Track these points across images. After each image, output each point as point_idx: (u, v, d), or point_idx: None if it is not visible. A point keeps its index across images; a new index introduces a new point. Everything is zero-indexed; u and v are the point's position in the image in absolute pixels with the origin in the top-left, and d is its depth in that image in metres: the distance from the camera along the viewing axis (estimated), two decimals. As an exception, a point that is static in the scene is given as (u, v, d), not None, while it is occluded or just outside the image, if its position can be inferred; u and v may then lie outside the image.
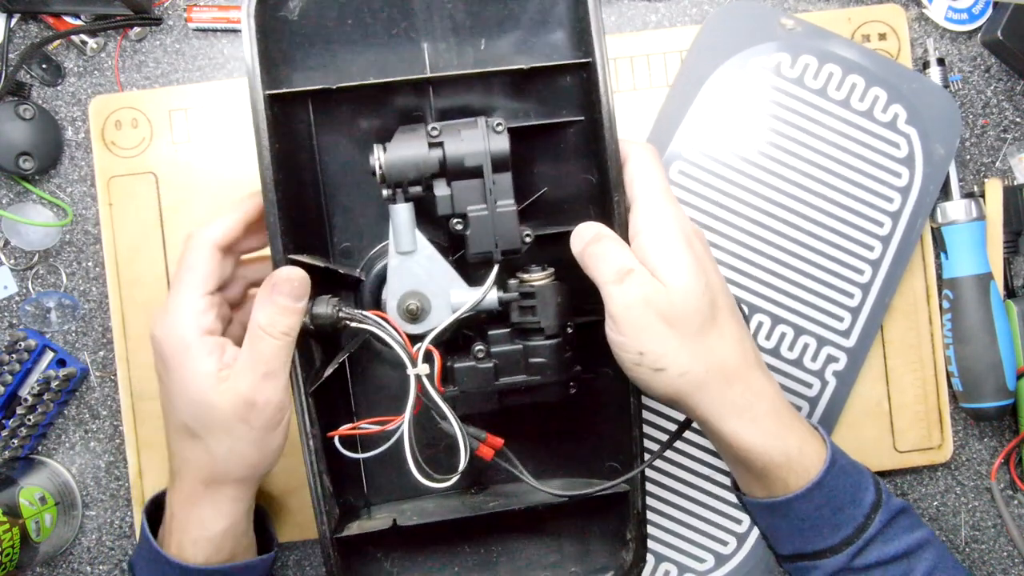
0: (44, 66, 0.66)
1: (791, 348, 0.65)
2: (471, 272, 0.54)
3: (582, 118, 0.54)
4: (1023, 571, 0.69)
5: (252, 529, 0.55)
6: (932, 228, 0.67)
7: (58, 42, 0.66)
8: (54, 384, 0.63)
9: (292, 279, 0.48)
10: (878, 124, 0.64)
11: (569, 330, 0.52)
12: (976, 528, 0.68)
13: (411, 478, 0.56)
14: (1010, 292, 0.68)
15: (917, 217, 0.64)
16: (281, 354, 0.48)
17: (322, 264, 0.53)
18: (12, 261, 0.67)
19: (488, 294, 0.51)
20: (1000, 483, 0.68)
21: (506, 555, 0.56)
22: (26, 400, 0.63)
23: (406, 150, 0.50)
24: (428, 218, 0.54)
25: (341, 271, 0.55)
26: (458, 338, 0.56)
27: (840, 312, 0.64)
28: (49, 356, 0.65)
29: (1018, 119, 0.69)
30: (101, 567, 0.67)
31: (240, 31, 0.66)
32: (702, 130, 0.64)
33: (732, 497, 0.64)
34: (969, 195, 0.67)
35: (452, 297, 0.52)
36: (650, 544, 0.60)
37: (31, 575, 0.66)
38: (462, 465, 0.49)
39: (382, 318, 0.50)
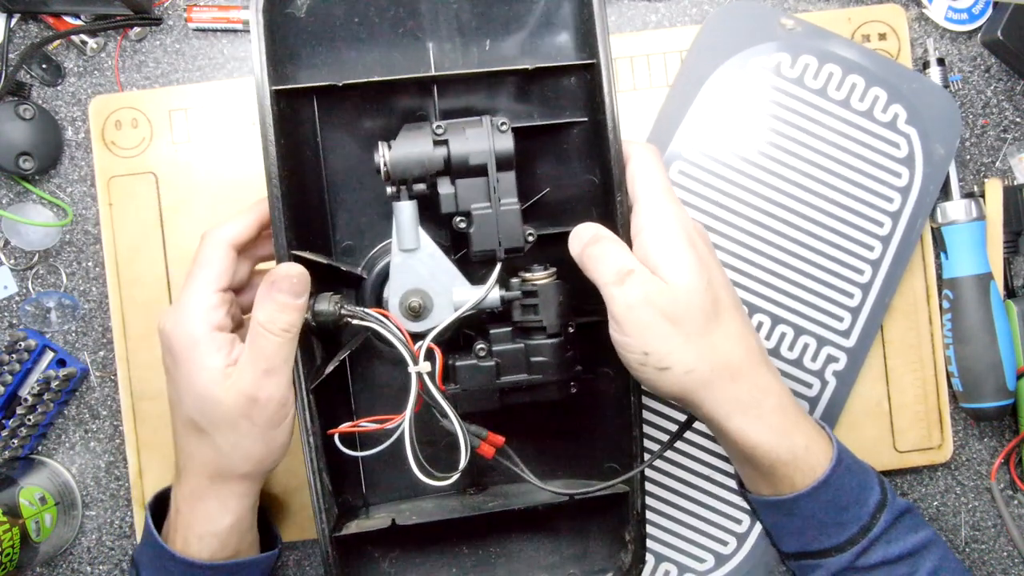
0: (44, 66, 0.66)
1: (791, 348, 0.65)
2: (473, 272, 0.54)
3: (585, 119, 0.55)
4: (1023, 571, 0.69)
5: (256, 526, 0.55)
6: (932, 228, 0.67)
7: (58, 42, 0.66)
8: (54, 384, 0.63)
9: (291, 276, 0.49)
10: (878, 124, 0.64)
11: (571, 329, 0.52)
12: (976, 528, 0.68)
13: (410, 478, 0.56)
14: (1010, 292, 0.68)
15: (917, 217, 0.64)
16: (282, 351, 0.49)
17: (324, 261, 0.53)
18: (12, 261, 0.67)
19: (490, 292, 0.51)
20: (1000, 483, 0.68)
21: (505, 556, 0.56)
22: (26, 400, 0.63)
23: (411, 147, 0.51)
24: (431, 218, 0.54)
25: (343, 268, 0.55)
26: (459, 338, 0.56)
27: (840, 312, 0.64)
28: (49, 356, 0.65)
29: (1018, 119, 0.69)
30: (101, 567, 0.67)
31: (241, 31, 0.67)
32: (702, 130, 0.64)
33: (732, 497, 0.64)
34: (969, 195, 0.67)
35: (454, 295, 0.52)
36: (650, 544, 0.60)
37: (31, 575, 0.66)
38: (463, 463, 0.49)
39: (384, 315, 0.50)
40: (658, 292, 0.47)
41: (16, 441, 0.64)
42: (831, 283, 0.64)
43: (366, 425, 0.52)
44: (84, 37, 0.66)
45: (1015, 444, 0.68)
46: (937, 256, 0.67)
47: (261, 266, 0.55)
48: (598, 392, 0.56)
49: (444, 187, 0.51)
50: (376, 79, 0.53)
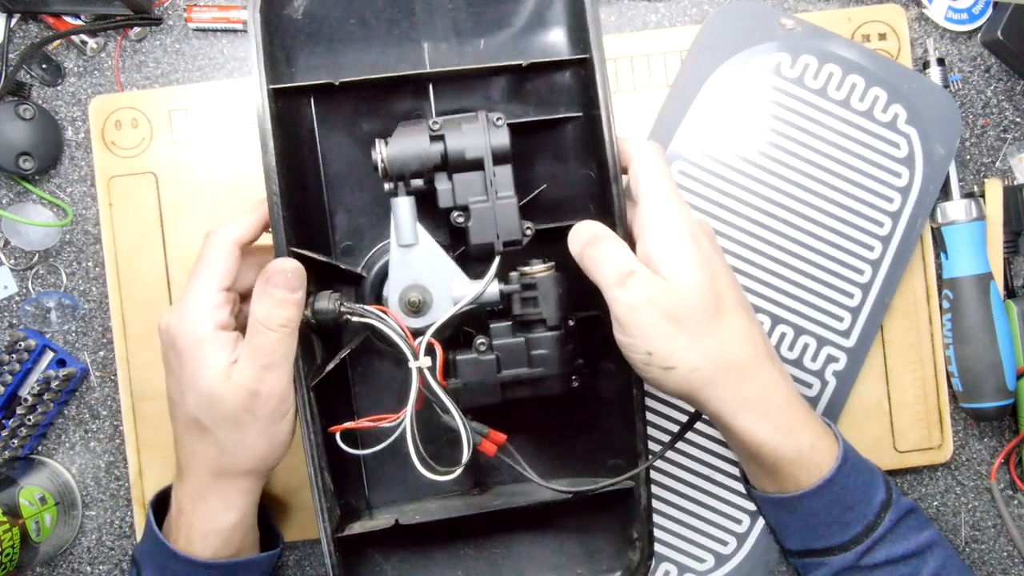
0: (44, 66, 0.66)
1: (791, 348, 0.65)
2: (472, 270, 0.54)
3: (580, 114, 0.55)
4: (1023, 571, 0.69)
5: (257, 525, 0.55)
6: (932, 228, 0.67)
7: (58, 42, 0.66)
8: (54, 384, 0.63)
9: (286, 271, 0.49)
10: (878, 124, 0.64)
11: (571, 323, 0.52)
12: (976, 528, 0.68)
13: (413, 481, 0.56)
14: (1010, 292, 0.68)
15: (917, 217, 0.64)
16: (280, 346, 0.49)
17: (323, 259, 0.53)
18: (12, 261, 0.67)
19: (489, 286, 0.51)
20: (1000, 483, 0.68)
21: (510, 558, 0.56)
22: (26, 400, 0.63)
23: (408, 143, 0.51)
24: (430, 218, 0.54)
25: (342, 267, 0.55)
26: (459, 335, 0.56)
27: (840, 312, 0.64)
28: (49, 356, 0.65)
29: (1018, 119, 0.69)
30: (101, 567, 0.67)
31: (241, 31, 0.67)
32: (702, 130, 0.64)
33: (732, 497, 0.64)
34: (969, 195, 0.67)
35: (453, 290, 0.52)
36: (651, 544, 0.60)
37: (31, 575, 0.66)
38: (465, 457, 0.49)
39: (383, 311, 0.50)
40: (660, 292, 0.47)
41: (16, 441, 0.64)
42: (831, 283, 0.64)
43: (367, 423, 0.52)
44: (84, 37, 0.66)
45: (1015, 444, 0.68)
46: (937, 256, 0.67)
47: None
48: (600, 388, 0.56)
49: (441, 182, 0.52)
50: (372, 76, 0.53)
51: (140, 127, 0.65)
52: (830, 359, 0.65)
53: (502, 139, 0.51)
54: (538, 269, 0.52)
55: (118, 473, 0.66)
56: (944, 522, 0.68)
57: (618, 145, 0.52)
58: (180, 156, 0.65)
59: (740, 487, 0.64)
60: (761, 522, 0.64)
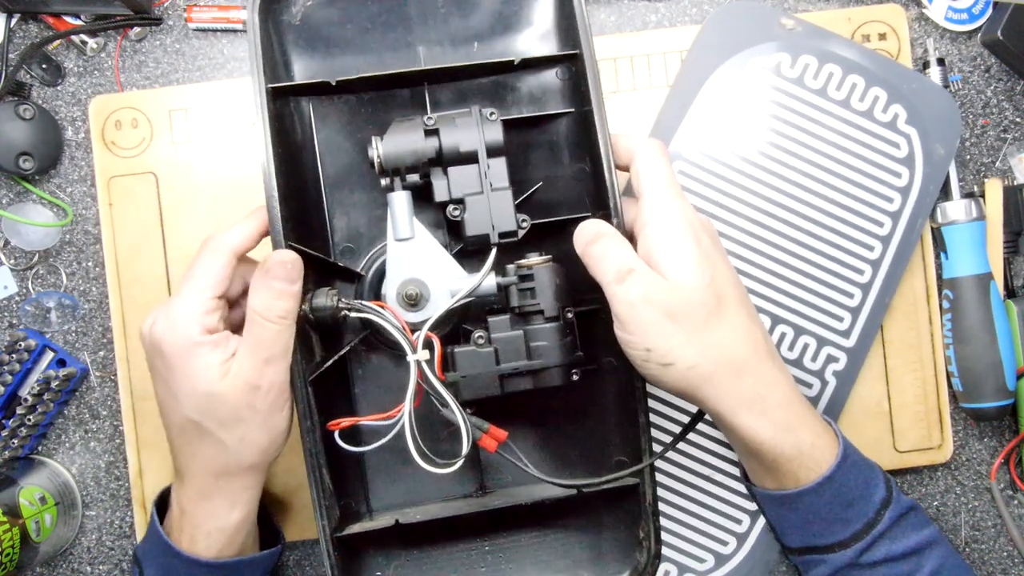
0: (44, 66, 0.66)
1: (791, 348, 0.65)
2: (469, 266, 0.54)
3: (572, 110, 0.56)
4: (1023, 571, 0.69)
5: (257, 523, 0.55)
6: (932, 228, 0.67)
7: (58, 42, 0.66)
8: (54, 384, 0.63)
9: (285, 262, 0.49)
10: (878, 124, 0.64)
11: (569, 315, 0.52)
12: (976, 528, 0.68)
13: (415, 484, 0.56)
14: (1010, 292, 0.68)
15: (917, 217, 0.64)
16: (280, 339, 0.49)
17: (321, 256, 0.54)
18: (12, 261, 0.67)
19: (487, 279, 0.52)
20: (1000, 483, 0.68)
21: (515, 561, 0.56)
22: (26, 400, 0.63)
23: (403, 138, 0.52)
24: (427, 217, 0.55)
25: (341, 264, 0.56)
26: (458, 332, 0.56)
27: (840, 312, 0.64)
28: (49, 356, 0.65)
29: (1018, 119, 0.69)
30: (101, 567, 0.67)
31: (240, 31, 0.67)
32: (702, 130, 0.64)
33: (732, 497, 0.64)
34: (969, 195, 0.67)
35: (451, 283, 0.52)
36: (650, 544, 0.60)
37: (31, 575, 0.66)
38: (465, 448, 0.49)
39: (381, 307, 0.50)
40: (659, 289, 0.47)
41: (16, 441, 0.64)
42: (831, 283, 0.64)
43: (366, 419, 0.52)
44: (84, 37, 0.66)
45: (1015, 444, 0.68)
46: (937, 256, 0.67)
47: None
48: (602, 385, 0.56)
49: (437, 176, 0.52)
50: (367, 75, 0.54)
51: (140, 127, 0.65)
52: (830, 359, 0.65)
53: (495, 132, 0.52)
54: (535, 261, 0.52)
55: (118, 473, 0.66)
56: (944, 522, 0.68)
57: (620, 142, 0.52)
58: (180, 156, 0.65)
59: (740, 487, 0.64)
60: (761, 522, 0.64)
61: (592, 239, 0.50)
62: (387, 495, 0.58)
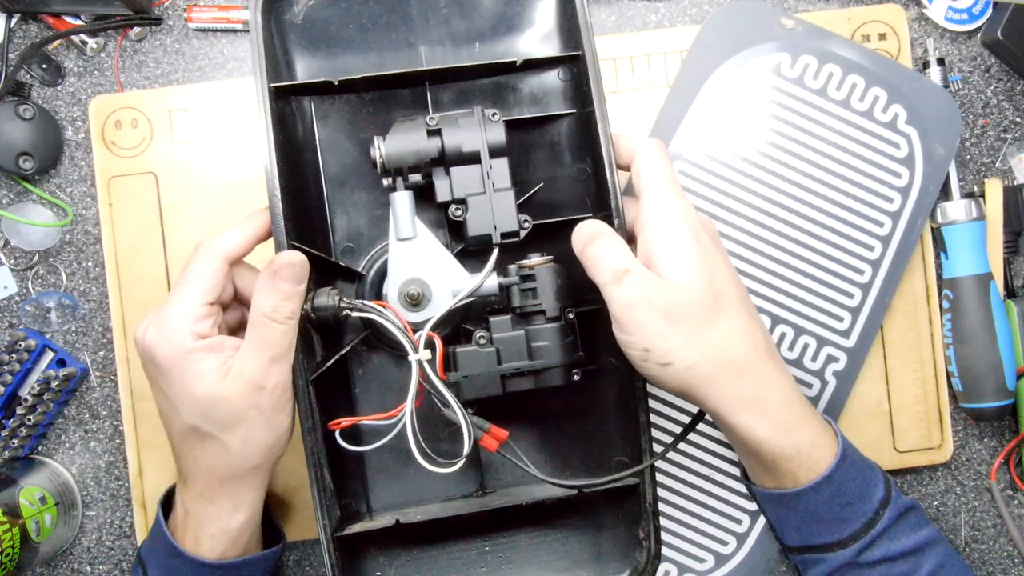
0: (44, 66, 0.66)
1: (791, 348, 0.65)
2: (470, 267, 0.54)
3: (574, 111, 0.56)
4: (1023, 571, 0.69)
5: (260, 523, 0.55)
6: (932, 228, 0.67)
7: (58, 42, 0.66)
8: (54, 384, 0.63)
9: (294, 264, 0.49)
10: (878, 124, 0.64)
11: (570, 315, 0.52)
12: (976, 528, 0.68)
13: (415, 484, 0.56)
14: (1010, 292, 0.68)
15: (917, 217, 0.64)
16: (286, 338, 0.49)
17: (323, 256, 0.54)
18: (12, 261, 0.67)
19: (488, 279, 0.52)
20: (1000, 483, 0.68)
21: (515, 562, 0.56)
22: (26, 400, 0.63)
23: (405, 138, 0.52)
24: (429, 217, 0.55)
25: (342, 264, 0.56)
26: (459, 332, 0.56)
27: (840, 312, 0.64)
28: (49, 356, 0.65)
29: (1018, 119, 0.69)
30: (101, 567, 0.67)
31: (241, 31, 0.67)
32: (702, 130, 0.64)
33: (732, 497, 0.64)
34: (969, 195, 0.67)
35: (452, 283, 0.52)
36: (650, 544, 0.60)
37: (31, 575, 0.66)
38: (466, 448, 0.49)
39: (382, 306, 0.50)
40: (656, 290, 0.47)
41: (16, 441, 0.64)
42: (831, 283, 0.64)
43: (367, 419, 0.52)
44: (84, 37, 0.66)
45: (1015, 444, 0.68)
46: (937, 256, 0.67)
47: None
48: (603, 385, 0.56)
49: (439, 176, 0.52)
50: (369, 75, 0.54)
51: (140, 127, 0.65)
52: (830, 359, 0.65)
53: (498, 133, 0.52)
54: (537, 261, 0.52)
55: (118, 473, 0.66)
56: (944, 522, 0.68)
57: (621, 142, 0.52)
58: (180, 156, 0.65)
59: (740, 487, 0.64)
60: (761, 522, 0.64)
61: (589, 239, 0.50)
62: (388, 495, 0.58)
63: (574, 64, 0.55)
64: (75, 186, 0.67)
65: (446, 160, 0.52)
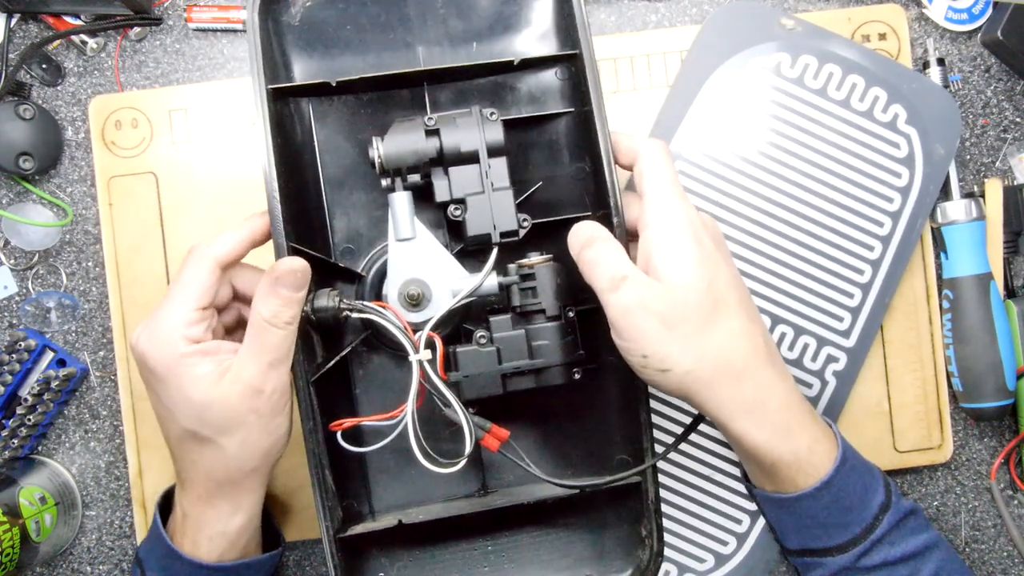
0: (44, 66, 0.66)
1: (791, 348, 0.65)
2: (470, 267, 0.54)
3: (572, 110, 0.56)
4: (1023, 571, 0.69)
5: (259, 525, 0.55)
6: (932, 228, 0.67)
7: (58, 42, 0.66)
8: (54, 384, 0.63)
9: (295, 270, 0.49)
10: (878, 124, 0.64)
11: (570, 314, 0.52)
12: (976, 528, 0.68)
13: (417, 485, 0.56)
14: (1010, 292, 0.68)
15: (917, 217, 0.64)
16: (285, 343, 0.49)
17: (323, 258, 0.54)
18: (12, 261, 0.67)
19: (488, 278, 0.52)
20: (1000, 483, 0.68)
21: (517, 561, 0.56)
22: (26, 400, 0.63)
23: (403, 138, 0.52)
24: (428, 218, 0.55)
25: (342, 265, 0.56)
26: (460, 332, 0.56)
27: (840, 312, 0.64)
28: (49, 356, 0.65)
29: (1018, 119, 0.69)
30: (101, 567, 0.67)
31: (240, 31, 0.67)
32: (702, 130, 0.64)
33: (732, 497, 0.64)
34: (969, 195, 0.67)
35: (452, 283, 0.52)
36: (650, 544, 0.60)
37: (31, 575, 0.66)
38: (468, 448, 0.49)
39: (382, 307, 0.50)
40: (653, 296, 0.47)
41: (16, 441, 0.64)
42: (831, 283, 0.64)
43: (368, 420, 0.52)
44: (84, 37, 0.66)
45: (1015, 444, 0.68)
46: (937, 256, 0.67)
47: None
48: (603, 383, 0.56)
49: (438, 176, 0.52)
50: (367, 75, 0.54)
51: (140, 127, 0.65)
52: (830, 359, 0.65)
53: (496, 132, 0.52)
54: (536, 260, 0.52)
55: (118, 473, 0.66)
56: (944, 522, 0.68)
57: (624, 142, 0.52)
58: (180, 156, 0.65)
59: (740, 487, 0.64)
60: (761, 522, 0.64)
61: (585, 243, 0.50)
62: (389, 496, 0.58)
63: (572, 63, 0.55)
64: (75, 186, 0.67)
65: (445, 160, 0.52)
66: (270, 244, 0.51)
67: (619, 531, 0.56)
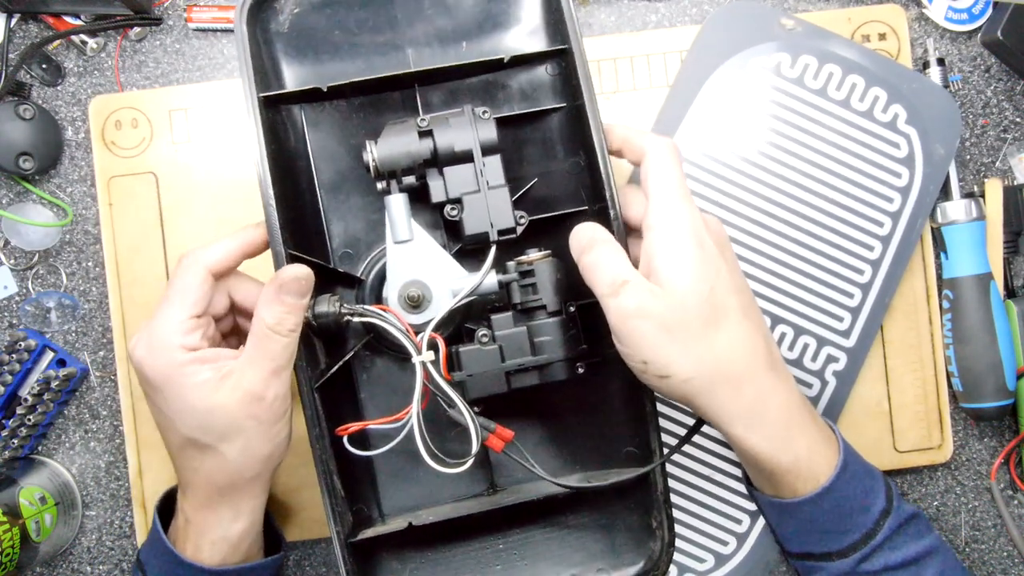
0: (44, 66, 0.66)
1: (791, 348, 0.65)
2: (469, 267, 0.54)
3: (564, 105, 0.56)
4: (1023, 571, 0.69)
5: (261, 529, 0.55)
6: (932, 228, 0.67)
7: (58, 42, 0.66)
8: (54, 384, 0.63)
9: (299, 278, 0.49)
10: (878, 124, 0.64)
11: (571, 309, 0.52)
12: (976, 528, 0.68)
13: (426, 486, 0.56)
14: (1010, 292, 0.68)
15: (917, 217, 0.64)
16: (287, 350, 0.49)
17: (322, 263, 0.53)
18: (12, 261, 0.67)
19: (488, 277, 0.52)
20: (1000, 483, 0.68)
21: (529, 558, 0.56)
22: (26, 400, 0.63)
23: (397, 141, 0.52)
24: (425, 219, 0.55)
25: (341, 270, 0.56)
26: (461, 332, 0.56)
27: (840, 312, 0.64)
28: (49, 356, 0.65)
29: (1018, 119, 0.69)
30: (101, 567, 0.67)
31: (240, 31, 0.67)
32: (702, 130, 0.64)
33: (732, 497, 0.64)
34: (969, 195, 0.67)
35: (452, 283, 0.52)
36: (650, 544, 0.60)
37: (31, 575, 0.66)
38: (475, 447, 0.49)
39: (383, 310, 0.50)
40: (653, 302, 0.47)
41: (16, 441, 0.64)
42: (831, 283, 0.64)
43: (374, 423, 0.51)
44: (84, 37, 0.66)
45: (1015, 444, 0.68)
46: (937, 256, 0.67)
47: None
48: (608, 376, 0.56)
49: (433, 177, 0.52)
50: (358, 79, 0.54)
51: (140, 127, 0.65)
52: (830, 359, 0.65)
53: (489, 130, 0.52)
54: (535, 256, 0.52)
55: (118, 473, 0.66)
56: (944, 522, 0.68)
57: (634, 138, 0.51)
58: (180, 156, 0.65)
59: (740, 487, 0.64)
60: (761, 522, 0.64)
61: (586, 247, 0.50)
62: (399, 498, 0.57)
63: (562, 58, 0.55)
64: (75, 186, 0.67)
65: (439, 160, 0.52)
66: (267, 253, 0.51)
67: (629, 523, 0.56)
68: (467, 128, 0.52)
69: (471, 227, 0.52)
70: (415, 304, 0.52)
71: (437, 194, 0.52)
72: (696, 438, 0.65)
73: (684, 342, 0.47)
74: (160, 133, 0.65)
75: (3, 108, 0.63)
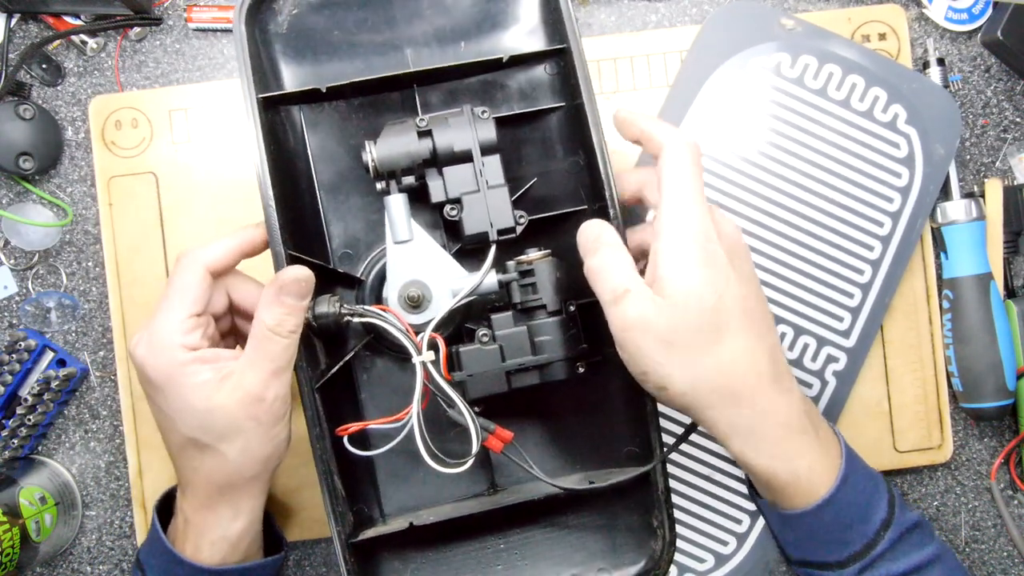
0: (44, 66, 0.66)
1: (791, 348, 0.65)
2: (469, 266, 0.54)
3: (563, 104, 0.56)
4: (1023, 571, 0.69)
5: (261, 529, 0.55)
6: (932, 228, 0.67)
7: (58, 42, 0.66)
8: (54, 384, 0.63)
9: (300, 279, 0.49)
10: (878, 124, 0.64)
11: (571, 308, 0.52)
12: (976, 528, 0.68)
13: (427, 486, 0.56)
14: (1010, 292, 0.68)
15: (917, 217, 0.64)
16: (288, 351, 0.49)
17: (322, 264, 0.53)
18: (12, 261, 0.67)
19: (488, 276, 0.52)
20: (1000, 483, 0.68)
21: (530, 558, 0.56)
22: (26, 400, 0.63)
23: (396, 141, 0.52)
24: (423, 220, 0.55)
25: (341, 271, 0.56)
26: (462, 332, 0.56)
27: (840, 312, 0.64)
28: (49, 356, 0.65)
29: (1018, 119, 0.69)
30: (101, 567, 0.67)
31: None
32: (702, 130, 0.64)
33: (732, 497, 0.64)
34: (969, 195, 0.67)
35: (452, 283, 0.52)
36: (650, 544, 0.60)
37: (31, 575, 0.66)
38: (475, 447, 0.49)
39: (383, 310, 0.50)
40: (654, 313, 0.46)
41: (16, 441, 0.64)
42: (831, 283, 0.64)
43: (374, 423, 0.51)
44: (84, 37, 0.66)
45: (1015, 444, 0.68)
46: (937, 256, 0.67)
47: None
48: (608, 376, 0.55)
49: (432, 178, 0.52)
50: (357, 80, 0.54)
51: (140, 127, 0.65)
52: (830, 359, 0.65)
53: (488, 130, 0.52)
54: (535, 256, 0.52)
55: (118, 473, 0.66)
56: (944, 522, 0.68)
57: (654, 130, 0.50)
58: (180, 156, 0.65)
59: (740, 487, 0.64)
60: (761, 522, 0.64)
61: (592, 248, 0.49)
62: (400, 498, 0.57)
63: (561, 57, 0.55)
64: (75, 186, 0.67)
65: (438, 160, 0.52)
66: (266, 254, 0.51)
67: (631, 523, 0.55)
68: (466, 128, 0.52)
69: (471, 227, 0.52)
70: (415, 304, 0.52)
71: (437, 194, 0.52)
72: (696, 438, 0.65)
73: (683, 355, 0.46)
74: (160, 133, 0.65)
75: (3, 108, 0.63)
